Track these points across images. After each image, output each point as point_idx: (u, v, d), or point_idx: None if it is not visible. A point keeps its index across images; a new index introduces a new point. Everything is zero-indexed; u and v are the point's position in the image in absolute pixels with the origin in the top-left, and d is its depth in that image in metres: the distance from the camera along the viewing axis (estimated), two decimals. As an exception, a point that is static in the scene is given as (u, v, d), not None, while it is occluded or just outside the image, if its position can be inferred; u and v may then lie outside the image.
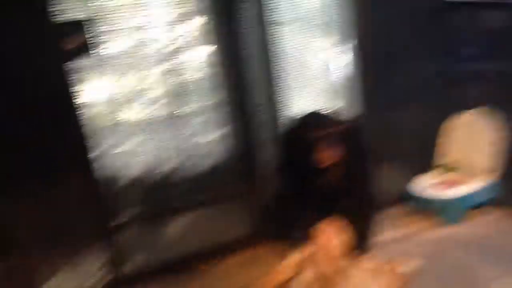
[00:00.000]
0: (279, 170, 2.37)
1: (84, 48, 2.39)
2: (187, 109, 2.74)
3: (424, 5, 3.03)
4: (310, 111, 2.24)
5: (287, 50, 2.85)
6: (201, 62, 2.72)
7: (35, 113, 2.28)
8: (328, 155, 2.10)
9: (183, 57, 2.68)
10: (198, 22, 2.66)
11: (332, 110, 2.29)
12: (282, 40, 2.80)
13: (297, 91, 2.93)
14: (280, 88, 2.84)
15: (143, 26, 2.57)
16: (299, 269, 2.17)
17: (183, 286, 2.60)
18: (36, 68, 2.24)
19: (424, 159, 3.19)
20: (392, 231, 2.85)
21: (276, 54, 2.78)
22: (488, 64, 3.06)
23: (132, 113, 2.65)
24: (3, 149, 2.24)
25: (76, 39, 2.36)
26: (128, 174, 2.67)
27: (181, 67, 2.68)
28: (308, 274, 2.10)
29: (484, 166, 3.00)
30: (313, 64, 3.01)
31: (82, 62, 2.42)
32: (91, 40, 2.42)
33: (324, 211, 2.28)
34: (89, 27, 2.40)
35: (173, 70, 2.66)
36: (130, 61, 2.56)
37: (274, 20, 2.75)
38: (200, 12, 2.64)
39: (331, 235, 2.21)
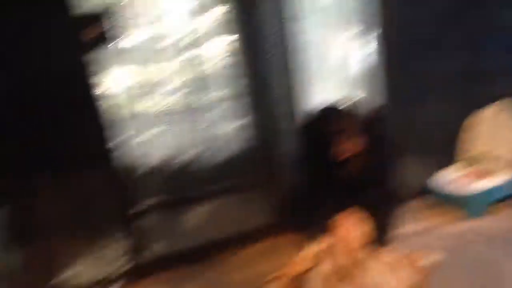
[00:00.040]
0: (299, 161, 2.36)
1: (103, 39, 2.41)
2: (206, 99, 2.75)
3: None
4: (331, 102, 2.21)
5: (308, 40, 2.82)
6: (221, 53, 2.72)
7: (56, 103, 2.32)
8: (348, 147, 2.08)
9: (203, 48, 2.69)
10: (218, 12, 2.65)
11: (353, 101, 2.25)
12: (303, 31, 2.78)
13: (318, 81, 2.91)
14: (300, 79, 2.81)
15: (163, 16, 2.57)
16: (318, 260, 2.16)
17: (202, 275, 2.62)
18: (56, 59, 2.27)
19: (448, 152, 3.15)
20: (413, 224, 2.82)
21: (297, 44, 2.75)
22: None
23: (152, 103, 2.67)
24: (25, 139, 2.29)
25: (95, 30, 2.38)
26: (147, 163, 2.70)
27: (201, 58, 2.69)
28: (327, 266, 2.09)
29: (508, 159, 2.96)
30: (334, 55, 2.98)
31: (101, 53, 2.45)
32: (110, 31, 2.44)
33: (344, 203, 2.27)
34: (108, 18, 2.42)
35: (193, 60, 2.67)
36: (150, 51, 2.58)
37: (296, 10, 2.72)
38: (220, 2, 2.63)
39: (351, 227, 2.19)
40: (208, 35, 2.67)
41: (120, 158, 2.57)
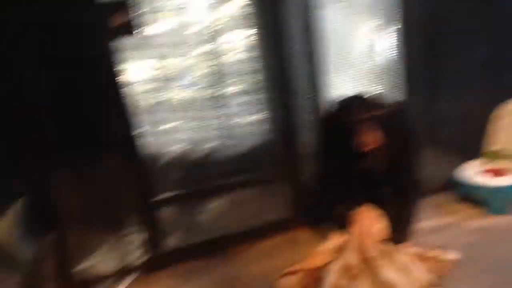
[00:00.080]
0: (320, 153, 2.32)
1: (128, 28, 2.40)
2: (229, 90, 2.74)
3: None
4: (353, 93, 2.17)
5: (330, 32, 2.79)
6: (243, 43, 2.71)
7: (80, 91, 2.31)
8: (370, 139, 2.03)
9: (225, 38, 2.68)
10: (241, 2, 2.63)
11: (375, 93, 2.21)
12: (325, 22, 2.74)
13: (339, 73, 2.88)
14: (322, 71, 2.78)
15: (186, 6, 2.56)
16: (335, 255, 2.14)
17: (218, 268, 2.61)
18: (81, 47, 2.26)
19: (472, 146, 3.09)
20: (436, 218, 2.78)
21: (318, 35, 2.72)
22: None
23: (171, 94, 2.66)
24: (48, 127, 2.29)
25: (120, 19, 2.37)
26: (169, 152, 2.70)
27: (224, 48, 2.67)
28: (344, 261, 2.06)
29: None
30: (356, 47, 2.95)
31: (126, 41, 2.44)
32: (135, 20, 2.43)
33: (363, 196, 2.24)
34: (133, 7, 2.41)
35: (214, 52, 2.65)
36: (173, 41, 2.57)
37: (318, 1, 2.68)
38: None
39: (369, 222, 2.16)
40: (231, 26, 2.65)
41: (139, 149, 2.56)
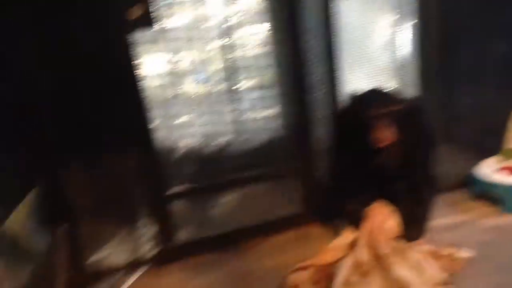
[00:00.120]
0: (333, 148, 2.31)
1: (145, 21, 2.40)
2: (243, 84, 2.73)
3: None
4: (369, 89, 2.14)
5: (345, 27, 2.78)
6: (259, 38, 2.70)
7: (96, 83, 2.32)
8: (386, 135, 2.01)
9: (241, 33, 2.67)
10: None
11: (391, 89, 2.18)
12: (341, 17, 2.72)
13: (354, 68, 2.86)
14: (337, 65, 2.76)
15: (203, 0, 2.55)
16: (347, 251, 2.13)
17: (232, 260, 2.61)
18: (99, 39, 2.27)
19: (489, 143, 3.03)
20: (451, 216, 2.75)
21: (334, 30, 2.70)
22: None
23: (190, 86, 2.66)
24: (65, 119, 2.30)
25: (138, 11, 2.37)
26: (183, 146, 2.71)
27: (239, 43, 2.67)
28: (356, 257, 2.05)
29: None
30: (372, 42, 2.93)
31: (143, 34, 2.44)
32: (152, 13, 2.42)
33: (377, 192, 2.21)
34: (151, 0, 2.41)
35: (231, 45, 2.65)
36: (189, 35, 2.57)
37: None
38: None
39: (383, 219, 2.15)
40: (248, 20, 2.65)
41: (153, 142, 2.57)
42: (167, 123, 2.65)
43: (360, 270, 2.00)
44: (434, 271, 2.03)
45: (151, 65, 2.53)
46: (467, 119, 2.95)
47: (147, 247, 2.66)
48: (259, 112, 2.81)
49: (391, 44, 2.96)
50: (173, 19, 2.54)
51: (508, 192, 2.78)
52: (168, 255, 2.67)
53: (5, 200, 1.94)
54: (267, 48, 2.71)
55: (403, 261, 2.02)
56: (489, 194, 2.88)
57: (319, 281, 2.10)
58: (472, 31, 2.90)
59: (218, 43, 2.65)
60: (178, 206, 2.75)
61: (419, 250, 2.10)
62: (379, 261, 2.02)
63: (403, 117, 2.03)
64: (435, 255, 2.13)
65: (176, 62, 2.61)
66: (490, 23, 2.92)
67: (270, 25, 2.68)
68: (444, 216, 2.65)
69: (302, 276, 2.14)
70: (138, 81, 2.42)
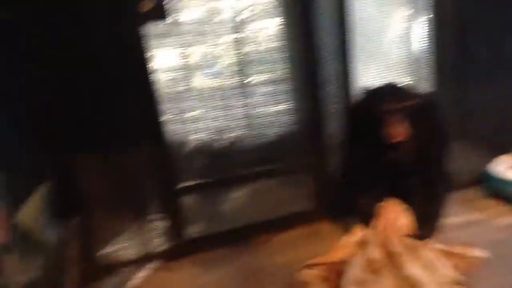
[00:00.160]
0: (346, 143, 2.29)
1: (158, 13, 2.39)
2: (255, 79, 2.72)
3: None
4: (383, 83, 2.12)
5: (359, 21, 2.74)
6: (271, 32, 2.67)
7: (107, 76, 2.31)
8: (399, 130, 1.99)
9: (253, 27, 2.65)
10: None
11: (405, 84, 2.16)
12: (354, 10, 2.69)
13: (368, 63, 2.83)
14: (350, 60, 2.73)
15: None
16: (359, 248, 2.12)
17: (243, 256, 2.61)
18: (111, 31, 2.27)
19: (504, 140, 2.99)
20: (464, 214, 2.71)
21: (348, 25, 2.67)
22: None
23: (202, 80, 2.65)
24: (76, 112, 2.31)
25: (150, 4, 2.36)
26: (194, 140, 2.70)
27: (252, 37, 2.65)
28: (372, 253, 2.03)
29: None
30: (386, 36, 2.90)
31: (155, 27, 2.43)
32: (165, 6, 2.41)
33: (390, 188, 2.20)
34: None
35: (244, 39, 2.63)
36: (201, 28, 2.55)
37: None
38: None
39: (395, 216, 2.13)
40: (261, 14, 2.63)
41: (164, 136, 2.57)
42: (179, 117, 2.64)
43: (372, 268, 1.99)
44: (447, 270, 2.01)
45: (163, 58, 2.53)
46: (482, 115, 2.90)
47: (158, 241, 2.67)
48: (271, 107, 2.80)
49: (405, 38, 2.93)
50: (185, 12, 2.53)
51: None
52: (179, 249, 2.67)
53: (18, 193, 1.96)
54: (280, 43, 2.69)
55: (416, 259, 2.00)
56: (503, 192, 2.84)
57: (329, 279, 2.09)
58: (488, 26, 2.85)
59: (230, 37, 2.63)
60: (189, 201, 2.75)
61: (432, 249, 2.08)
62: (391, 259, 2.01)
63: (417, 113, 2.01)
64: (448, 254, 2.11)
65: (188, 55, 2.60)
66: (506, 18, 2.87)
67: (283, 19, 2.65)
68: (457, 214, 2.61)
69: (312, 273, 2.14)
70: (150, 74, 2.42)
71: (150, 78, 2.42)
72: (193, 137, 2.72)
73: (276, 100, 2.78)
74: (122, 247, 2.60)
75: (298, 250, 2.55)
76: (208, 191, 2.81)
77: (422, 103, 2.04)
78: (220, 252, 2.68)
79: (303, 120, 2.79)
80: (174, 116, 2.62)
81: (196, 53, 2.62)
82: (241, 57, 2.67)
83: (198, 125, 2.70)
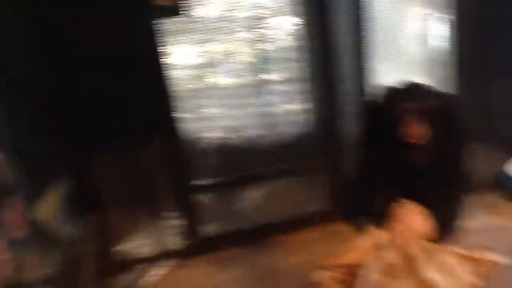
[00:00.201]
0: (362, 143, 2.27)
1: (174, 9, 2.39)
2: (272, 77, 2.70)
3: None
4: (402, 83, 2.09)
5: (378, 20, 2.72)
6: (289, 31, 2.67)
7: (123, 74, 2.33)
8: (418, 131, 1.96)
9: (271, 25, 2.63)
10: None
11: (425, 84, 2.13)
12: (373, 9, 2.67)
13: (386, 62, 2.80)
14: (368, 60, 2.71)
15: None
16: (377, 250, 2.09)
17: (258, 256, 2.61)
18: (126, 25, 2.28)
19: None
20: (484, 218, 2.67)
21: (366, 23, 2.65)
22: None
23: (218, 78, 2.65)
24: (92, 109, 2.33)
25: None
26: (210, 138, 2.71)
27: (269, 35, 2.64)
28: (384, 258, 2.01)
29: None
30: (405, 35, 2.85)
31: (171, 23, 2.43)
32: (182, 1, 2.41)
33: (407, 190, 2.17)
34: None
35: (261, 37, 2.62)
36: (218, 25, 2.55)
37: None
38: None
39: (412, 219, 2.10)
40: (278, 12, 2.62)
41: (181, 134, 2.57)
42: (195, 115, 2.64)
43: (388, 272, 1.96)
44: (465, 275, 1.97)
45: (179, 55, 2.53)
46: (503, 116, 2.86)
47: (174, 239, 2.68)
48: (287, 106, 2.79)
49: (425, 38, 2.89)
50: (202, 9, 2.52)
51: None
52: (195, 248, 2.69)
53: (37, 189, 1.99)
54: (297, 41, 2.68)
55: (433, 263, 1.96)
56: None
57: (343, 281, 2.07)
58: (510, 26, 2.79)
59: (247, 34, 2.62)
60: (205, 199, 2.76)
61: (450, 253, 2.04)
62: (408, 263, 1.97)
63: (436, 113, 1.98)
64: (467, 259, 2.07)
65: (205, 52, 2.60)
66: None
67: (300, 18, 2.64)
68: (477, 218, 2.57)
69: (326, 275, 2.12)
70: (166, 71, 2.43)
71: (166, 75, 2.43)
72: (209, 135, 2.72)
73: (293, 99, 2.77)
74: (138, 245, 2.62)
75: (313, 250, 2.54)
76: (224, 190, 2.82)
77: (442, 104, 2.01)
78: (235, 251, 2.68)
79: (319, 119, 2.78)
80: (190, 114, 2.62)
81: (214, 50, 2.61)
82: (258, 55, 2.66)
83: (215, 123, 2.70)
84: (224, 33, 2.59)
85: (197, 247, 2.68)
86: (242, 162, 2.77)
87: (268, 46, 2.67)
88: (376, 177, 2.17)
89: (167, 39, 2.43)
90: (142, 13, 2.32)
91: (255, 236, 2.75)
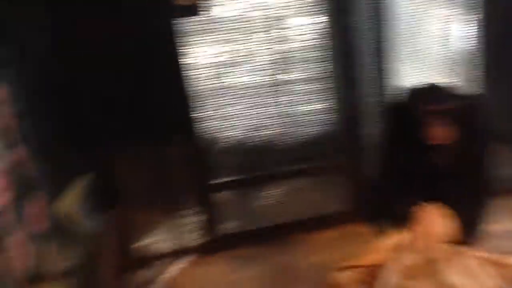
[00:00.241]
0: (384, 144, 2.24)
1: (193, 8, 2.39)
2: (292, 77, 2.69)
3: None
4: (427, 83, 2.06)
5: (402, 19, 2.68)
6: (310, 30, 2.64)
7: (142, 72, 2.34)
8: (442, 133, 1.93)
9: (292, 24, 2.62)
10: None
11: (450, 85, 2.09)
12: (397, 8, 2.64)
13: (410, 63, 2.76)
14: (391, 59, 2.68)
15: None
16: (395, 253, 2.06)
17: (277, 254, 2.61)
18: (145, 24, 2.28)
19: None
20: (508, 222, 2.62)
21: (389, 23, 2.61)
22: None
23: (237, 78, 2.65)
24: (111, 108, 2.35)
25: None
26: (230, 137, 2.71)
27: (290, 34, 2.62)
28: (404, 260, 1.98)
29: None
30: (430, 35, 2.81)
31: (190, 23, 2.43)
32: (202, 1, 2.41)
33: (430, 192, 2.13)
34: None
35: (281, 36, 2.61)
36: (238, 24, 2.54)
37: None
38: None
39: (434, 221, 2.07)
40: (299, 12, 2.59)
41: (201, 132, 2.58)
42: (214, 113, 2.65)
43: (410, 274, 1.93)
44: (488, 278, 1.93)
45: (198, 55, 2.53)
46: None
47: (193, 236, 2.69)
48: (307, 106, 2.77)
49: (451, 38, 2.83)
50: (222, 8, 2.52)
51: None
52: (213, 245, 2.69)
53: (59, 185, 2.01)
54: (316, 40, 2.65)
55: (455, 267, 1.93)
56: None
57: (363, 282, 2.05)
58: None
59: (268, 33, 2.61)
60: (224, 197, 2.77)
61: (472, 256, 2.01)
62: (429, 266, 1.94)
63: (460, 114, 1.94)
64: (490, 262, 2.03)
65: (225, 52, 2.59)
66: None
67: (322, 17, 2.62)
68: (502, 222, 2.51)
69: (345, 276, 2.10)
70: (186, 70, 2.43)
71: (185, 74, 2.43)
72: (228, 134, 2.72)
73: (312, 98, 2.75)
74: (157, 241, 2.64)
75: (332, 251, 2.52)
76: (243, 188, 2.82)
77: (467, 105, 1.97)
78: (254, 249, 2.68)
79: (339, 119, 2.75)
80: (209, 112, 2.62)
81: (233, 49, 2.61)
82: (279, 54, 2.64)
83: (234, 121, 2.70)
84: (245, 32, 2.58)
85: (215, 244, 2.69)
86: (262, 161, 2.77)
87: (289, 46, 2.65)
88: (399, 179, 2.15)
89: (187, 39, 2.43)
90: (163, 12, 2.32)
91: (274, 235, 2.74)
